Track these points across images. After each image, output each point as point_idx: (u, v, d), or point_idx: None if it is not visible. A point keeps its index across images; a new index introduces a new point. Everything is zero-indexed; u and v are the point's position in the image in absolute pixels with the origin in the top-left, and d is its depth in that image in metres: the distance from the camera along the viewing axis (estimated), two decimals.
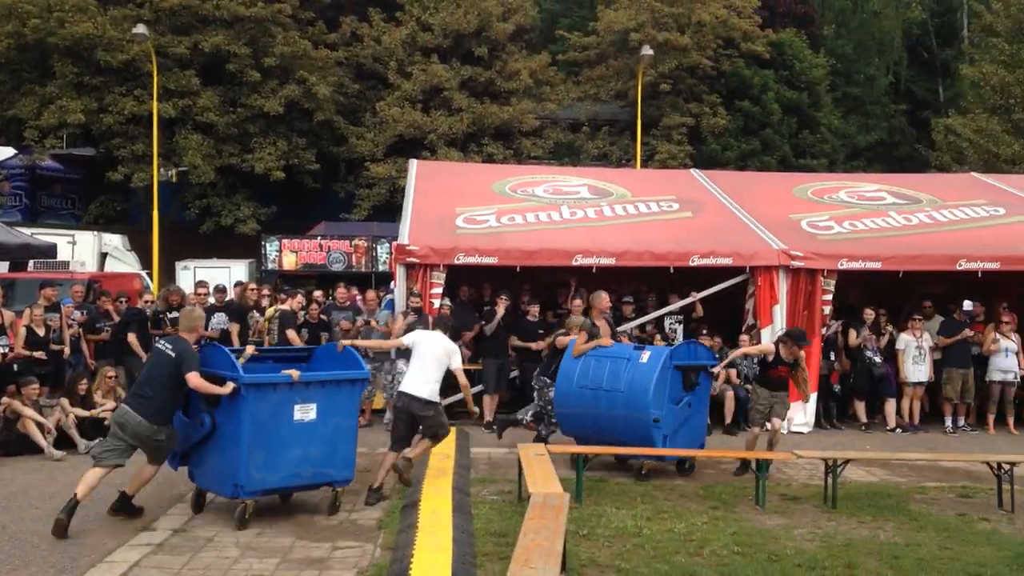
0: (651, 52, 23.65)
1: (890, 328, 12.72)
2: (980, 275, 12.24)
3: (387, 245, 20.46)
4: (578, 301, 12.08)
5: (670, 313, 12.88)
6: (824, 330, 12.18)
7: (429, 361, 7.95)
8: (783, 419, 9.23)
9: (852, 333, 12.49)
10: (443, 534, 6.33)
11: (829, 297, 12.15)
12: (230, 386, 6.77)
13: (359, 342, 8.78)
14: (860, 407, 12.45)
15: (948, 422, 12.31)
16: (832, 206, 14.24)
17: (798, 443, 10.49)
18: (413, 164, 15.55)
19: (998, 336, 12.24)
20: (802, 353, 9.17)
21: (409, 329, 9.69)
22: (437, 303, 11.57)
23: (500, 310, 12.09)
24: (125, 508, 7.09)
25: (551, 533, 5.38)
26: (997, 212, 14.00)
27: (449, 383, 8.44)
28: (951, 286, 13.21)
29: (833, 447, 10.29)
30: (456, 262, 11.81)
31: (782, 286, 12.10)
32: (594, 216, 13.47)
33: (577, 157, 28.44)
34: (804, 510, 7.77)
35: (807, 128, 29.59)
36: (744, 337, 12.02)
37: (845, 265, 12.14)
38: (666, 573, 5.86)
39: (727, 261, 12.16)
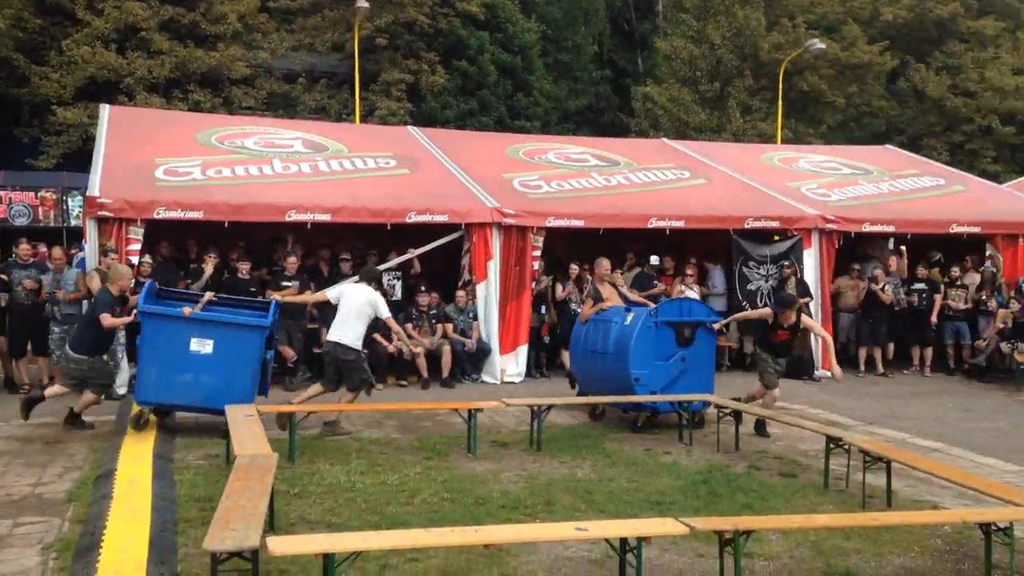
0: (367, 4, 23.27)
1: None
2: (668, 232, 13.39)
3: (80, 198, 18.72)
4: (292, 259, 11.77)
5: (388, 270, 12.90)
6: (534, 285, 12.78)
7: (351, 311, 8.80)
8: (776, 387, 9.36)
9: (559, 287, 13.21)
10: (141, 502, 5.96)
11: (538, 253, 12.78)
12: (128, 319, 8.80)
13: (288, 297, 10.16)
14: (566, 356, 13.21)
15: None
16: (542, 166, 14.91)
17: (511, 392, 10.98)
18: (104, 110, 14.27)
19: (683, 287, 13.47)
20: (803, 318, 9.33)
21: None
22: (135, 260, 10.78)
23: (208, 268, 11.49)
24: (72, 422, 8.74)
25: (254, 494, 5.21)
26: (683, 175, 15.36)
27: None
28: (647, 242, 14.31)
29: (543, 395, 10.82)
30: (156, 216, 11.07)
31: (495, 243, 12.52)
32: (309, 171, 13.15)
33: (294, 109, 27.53)
34: (512, 455, 8.15)
35: (521, 91, 30.67)
36: (459, 291, 12.34)
37: (552, 223, 12.80)
38: (376, 524, 5.91)
39: (443, 218, 12.37)
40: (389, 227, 12.22)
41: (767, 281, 13.70)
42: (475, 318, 12.53)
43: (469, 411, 8.21)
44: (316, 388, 9.04)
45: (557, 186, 13.96)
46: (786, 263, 13.31)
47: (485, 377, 12.47)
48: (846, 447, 7.28)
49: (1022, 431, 10.02)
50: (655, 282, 13.43)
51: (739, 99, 30.07)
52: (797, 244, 13.72)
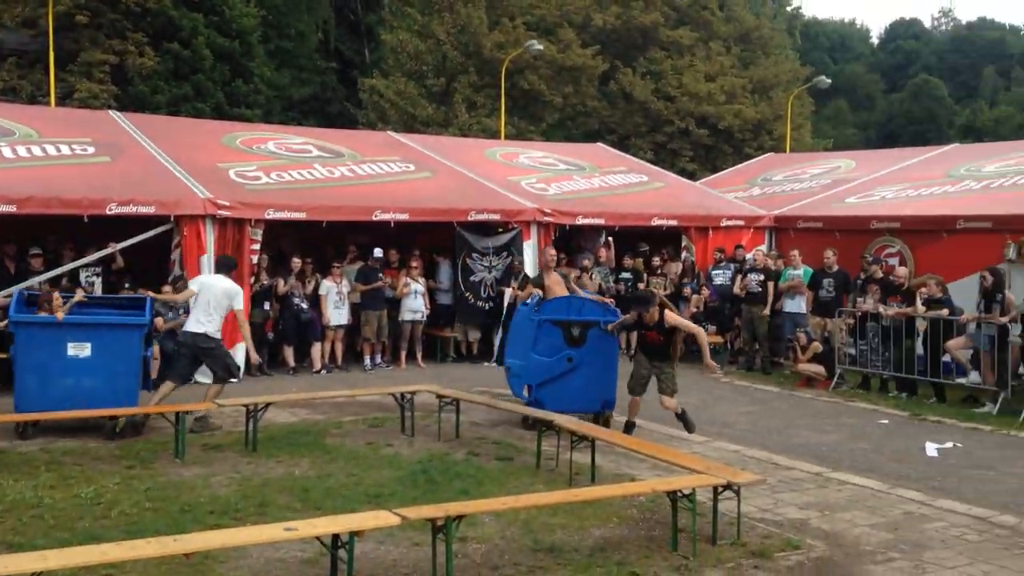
0: None
1: (317, 276, 13.30)
2: (394, 225, 13.41)
3: None
4: None
5: (87, 265, 11.87)
6: (253, 281, 12.30)
7: (210, 301, 8.89)
8: (671, 395, 8.74)
9: (280, 281, 12.81)
10: None
11: (257, 247, 12.31)
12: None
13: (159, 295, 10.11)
14: (289, 352, 12.89)
15: (367, 360, 13.35)
16: (261, 156, 14.38)
17: (227, 391, 10.44)
18: None
19: (408, 280, 13.55)
20: (668, 315, 8.53)
21: None
22: None
23: None
24: None
25: None
26: (408, 168, 15.44)
27: None
28: (374, 235, 14.21)
29: (263, 392, 10.43)
30: None
31: (209, 236, 11.90)
32: None
33: None
34: (225, 457, 7.80)
35: (241, 77, 29.43)
36: (166, 287, 11.57)
37: (272, 215, 12.39)
38: (67, 541, 5.40)
39: (149, 210, 11.58)
40: (86, 219, 11.25)
41: (490, 272, 14.11)
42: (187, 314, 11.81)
43: (176, 415, 7.74)
44: (168, 386, 8.90)
45: (277, 177, 13.54)
46: (514, 259, 13.82)
47: (199, 377, 11.81)
48: (556, 429, 7.65)
49: (711, 405, 11.06)
50: (380, 275, 13.40)
51: (464, 95, 30.75)
52: (517, 236, 14.25)
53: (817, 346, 12.69)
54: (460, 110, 29.96)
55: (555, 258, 10.92)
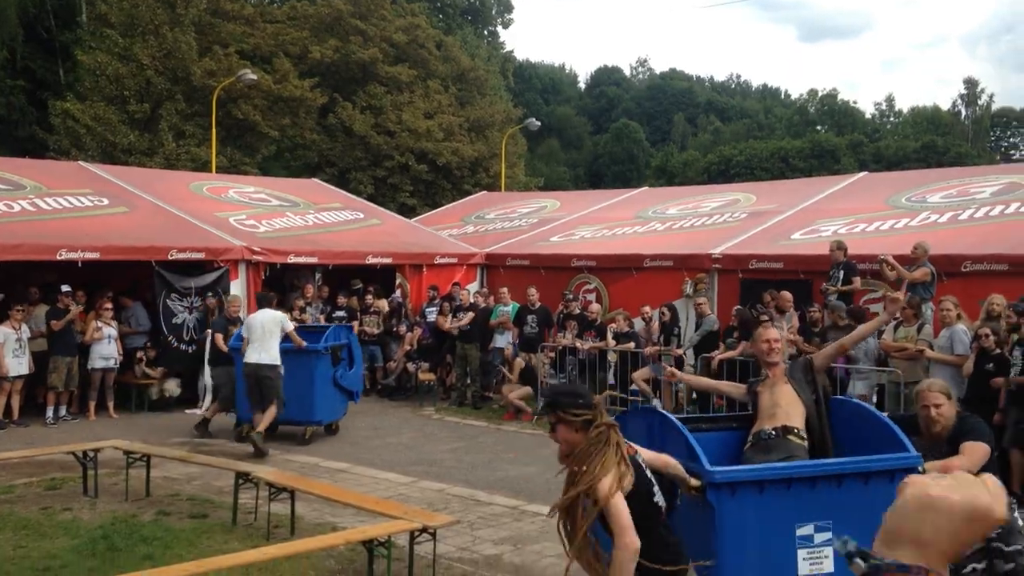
0: None
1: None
2: (81, 264, 12.40)
3: None
4: None
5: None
6: None
7: (264, 332, 10.32)
8: None
9: None
10: None
11: None
12: None
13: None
14: None
15: (50, 412, 12.16)
16: None
17: None
18: None
19: (100, 324, 12.56)
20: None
21: None
22: None
23: None
24: None
25: None
26: (101, 202, 14.39)
27: None
28: (61, 274, 13.03)
29: None
30: None
31: None
32: None
33: None
34: None
35: None
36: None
37: None
38: None
39: None
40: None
41: (191, 313, 13.44)
42: None
43: None
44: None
45: None
46: (211, 295, 13.23)
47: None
48: (254, 480, 7.39)
49: (420, 443, 11.20)
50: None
51: (171, 122, 29.18)
52: (224, 275, 13.70)
53: (520, 362, 13.29)
54: (167, 138, 28.38)
55: None
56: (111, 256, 12.75)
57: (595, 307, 13.40)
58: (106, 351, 12.57)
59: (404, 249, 16.46)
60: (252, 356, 10.33)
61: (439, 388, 14.66)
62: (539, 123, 38.98)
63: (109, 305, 12.83)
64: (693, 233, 15.41)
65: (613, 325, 12.83)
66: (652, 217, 17.01)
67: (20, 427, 11.72)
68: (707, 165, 56.45)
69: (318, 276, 15.53)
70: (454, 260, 16.72)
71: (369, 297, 15.40)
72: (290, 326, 10.72)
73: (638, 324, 12.98)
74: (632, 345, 12.23)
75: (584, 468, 3.42)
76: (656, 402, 11.85)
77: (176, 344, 13.38)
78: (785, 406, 5.11)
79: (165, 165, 26.33)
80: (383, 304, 15.27)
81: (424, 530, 6.17)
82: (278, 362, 10.42)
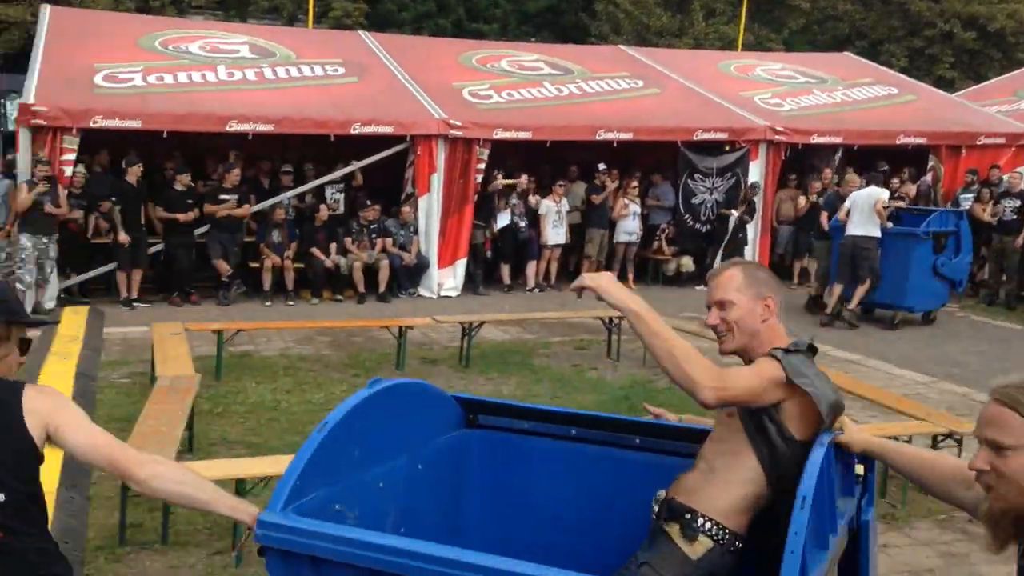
0: None
1: (538, 196, 13.56)
2: (616, 144, 13.37)
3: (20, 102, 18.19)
4: (236, 172, 11.62)
5: (332, 182, 12.82)
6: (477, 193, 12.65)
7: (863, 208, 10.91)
8: None
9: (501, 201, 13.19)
10: None
11: (483, 166, 12.68)
12: None
13: None
14: (505, 270, 13.27)
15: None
16: (494, 75, 14.68)
17: (446, 307, 11.11)
18: (45, 10, 13.83)
19: (627, 201, 13.52)
20: None
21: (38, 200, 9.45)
22: (69, 171, 10.64)
23: (131, 179, 11.04)
24: None
25: (171, 417, 5.35)
26: (636, 84, 15.22)
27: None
28: (594, 153, 14.26)
29: (479, 310, 10.96)
30: (92, 125, 10.85)
31: (440, 155, 12.42)
32: (254, 78, 12.89)
33: (245, 10, 26.69)
34: (440, 372, 8.32)
35: None
36: (406, 209, 12.24)
37: (499, 135, 12.68)
38: (296, 444, 6.07)
39: (388, 130, 12.22)
40: (333, 138, 12.10)
41: (711, 194, 13.80)
42: (416, 232, 12.52)
43: (400, 328, 8.35)
44: (837, 288, 10.87)
45: (507, 96, 13.78)
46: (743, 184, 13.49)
47: (422, 291, 12.53)
48: None
49: (941, 341, 10.35)
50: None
51: (703, 1, 29.51)
52: (744, 156, 13.78)
53: None
54: (697, 18, 28.82)
55: None
56: (642, 136, 13.54)
57: None
58: (630, 226, 13.54)
59: (941, 127, 14.92)
60: (852, 229, 10.76)
61: (968, 283, 13.28)
62: None
63: (635, 184, 13.70)
64: None
65: None
66: None
67: (555, 291, 13.04)
68: None
69: (836, 157, 14.79)
70: (1001, 140, 14.75)
71: (896, 181, 14.33)
72: (879, 205, 10.72)
73: None
74: None
75: None
76: None
77: (692, 223, 13.90)
78: None
79: (693, 45, 26.82)
80: (910, 189, 14.11)
81: (950, 435, 5.79)
82: (876, 235, 10.64)
